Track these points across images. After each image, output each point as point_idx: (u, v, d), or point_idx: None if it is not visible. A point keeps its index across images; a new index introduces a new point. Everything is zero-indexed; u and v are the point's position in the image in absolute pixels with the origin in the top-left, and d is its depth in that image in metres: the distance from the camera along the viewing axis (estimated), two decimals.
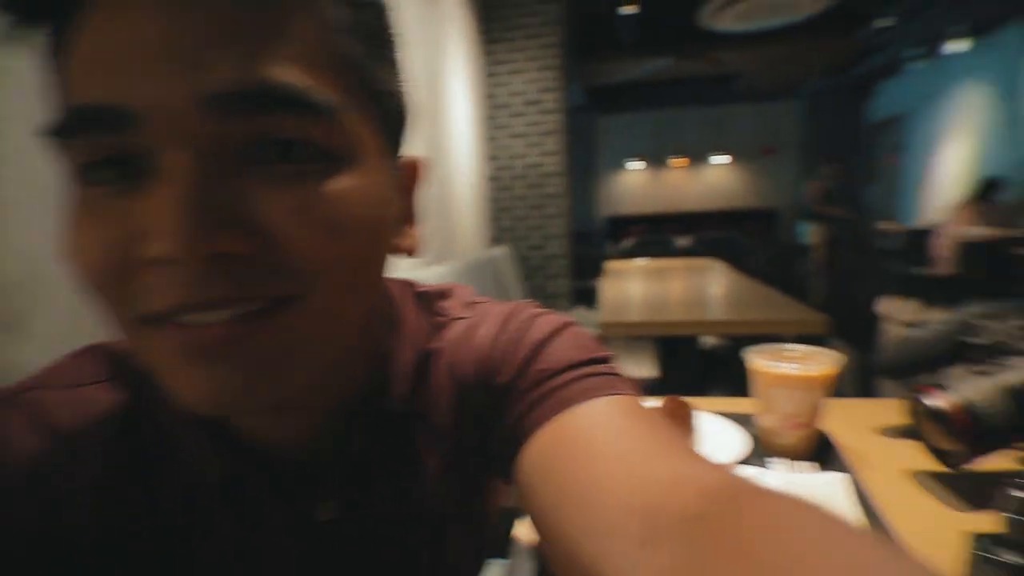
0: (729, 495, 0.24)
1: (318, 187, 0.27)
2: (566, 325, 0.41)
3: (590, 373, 0.36)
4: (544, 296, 3.90)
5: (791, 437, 0.71)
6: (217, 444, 0.34)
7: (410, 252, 0.37)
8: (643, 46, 6.30)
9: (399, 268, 2.24)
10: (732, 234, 7.05)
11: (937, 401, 0.58)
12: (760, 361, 0.72)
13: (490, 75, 3.72)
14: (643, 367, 3.82)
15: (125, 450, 0.34)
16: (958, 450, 0.57)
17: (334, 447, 0.37)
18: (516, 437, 0.36)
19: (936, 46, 5.73)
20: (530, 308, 0.43)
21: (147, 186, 0.24)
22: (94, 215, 0.25)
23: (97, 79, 0.24)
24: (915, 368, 0.76)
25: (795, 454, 0.71)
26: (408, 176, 0.38)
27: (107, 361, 0.36)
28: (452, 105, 2.99)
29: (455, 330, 0.42)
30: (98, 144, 0.25)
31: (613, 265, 3.74)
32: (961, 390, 0.58)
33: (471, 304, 0.45)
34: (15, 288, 0.78)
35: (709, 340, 2.91)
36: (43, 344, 0.81)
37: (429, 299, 0.45)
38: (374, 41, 0.31)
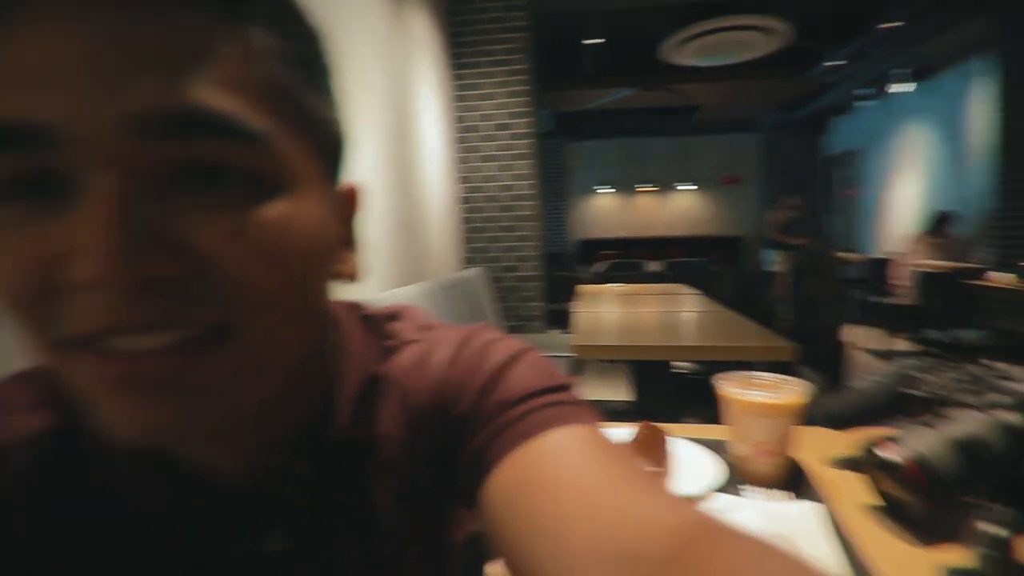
0: (698, 536, 0.24)
1: (251, 213, 0.26)
2: (523, 351, 0.39)
3: (550, 402, 0.35)
4: (518, 318, 3.89)
5: (763, 465, 0.71)
6: (156, 474, 0.32)
7: (351, 278, 0.36)
8: (607, 75, 6.49)
9: (366, 290, 2.20)
10: (700, 260, 7.20)
11: (891, 454, 0.59)
12: (730, 388, 0.72)
13: (460, 99, 3.76)
14: (617, 391, 3.83)
15: (58, 479, 0.32)
16: (913, 502, 0.57)
17: (280, 476, 0.35)
18: (478, 469, 0.34)
19: (883, 86, 6.04)
20: (485, 333, 0.41)
21: (68, 207, 0.23)
22: (8, 235, 0.24)
23: (15, 96, 0.22)
24: (858, 419, 0.77)
25: (769, 482, 0.70)
26: (347, 203, 0.37)
27: (40, 387, 0.34)
28: (423, 127, 3.00)
29: (406, 355, 0.41)
30: (12, 161, 0.23)
31: (586, 288, 3.76)
32: (912, 443, 0.58)
33: (423, 327, 0.43)
34: None
35: (683, 365, 2.94)
36: None
37: (377, 322, 0.43)
38: (306, 69, 0.30)
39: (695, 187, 9.31)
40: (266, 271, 0.26)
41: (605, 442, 0.33)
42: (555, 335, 3.92)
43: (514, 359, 0.38)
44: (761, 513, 0.63)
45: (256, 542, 0.35)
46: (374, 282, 2.19)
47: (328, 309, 0.37)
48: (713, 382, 0.74)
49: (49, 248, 0.23)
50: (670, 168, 9.36)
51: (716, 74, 6.12)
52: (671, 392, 2.46)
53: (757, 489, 0.69)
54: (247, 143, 0.25)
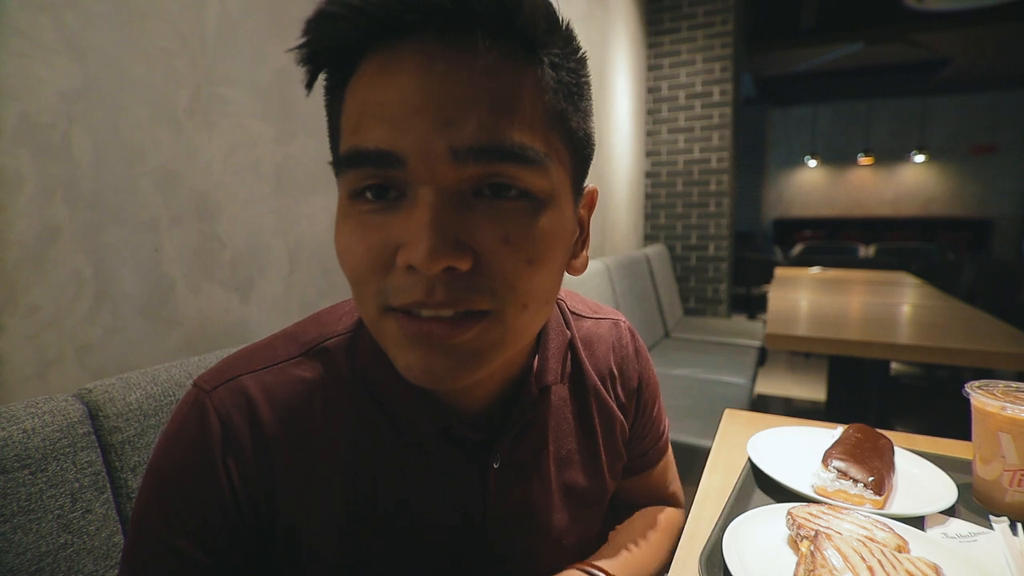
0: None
1: (522, 223, 0.34)
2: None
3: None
4: (701, 300, 3.70)
5: (1017, 494, 0.59)
6: (429, 409, 0.43)
7: (579, 271, 0.44)
8: (829, 30, 5.63)
9: None
10: (930, 245, 6.08)
11: None
12: (986, 399, 0.60)
13: (653, 68, 3.61)
14: (806, 388, 3.46)
15: (350, 408, 0.44)
16: None
17: (502, 413, 0.47)
18: (631, 466, 0.62)
19: None
20: (628, 328, 0.62)
21: (402, 208, 0.33)
22: (360, 225, 0.34)
23: (378, 130, 0.32)
24: None
25: (1020, 515, 0.59)
26: (586, 204, 0.44)
27: (296, 344, 0.45)
28: (614, 100, 2.95)
29: (581, 327, 0.56)
30: (370, 174, 0.33)
31: (783, 272, 3.42)
32: None
33: (580, 303, 0.59)
34: (244, 259, 0.92)
35: (894, 366, 2.55)
36: (264, 304, 0.95)
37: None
38: (574, 95, 0.37)
39: (930, 158, 7.76)
40: (525, 271, 0.34)
41: None
42: (740, 322, 3.66)
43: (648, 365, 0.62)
44: (1012, 549, 0.53)
45: (487, 460, 0.46)
46: None
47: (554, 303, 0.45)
48: (967, 390, 0.63)
49: (388, 237, 0.33)
50: (898, 137, 7.90)
51: (976, 19, 4.97)
52: (879, 395, 2.14)
53: (1004, 521, 0.58)
54: (531, 167, 0.33)
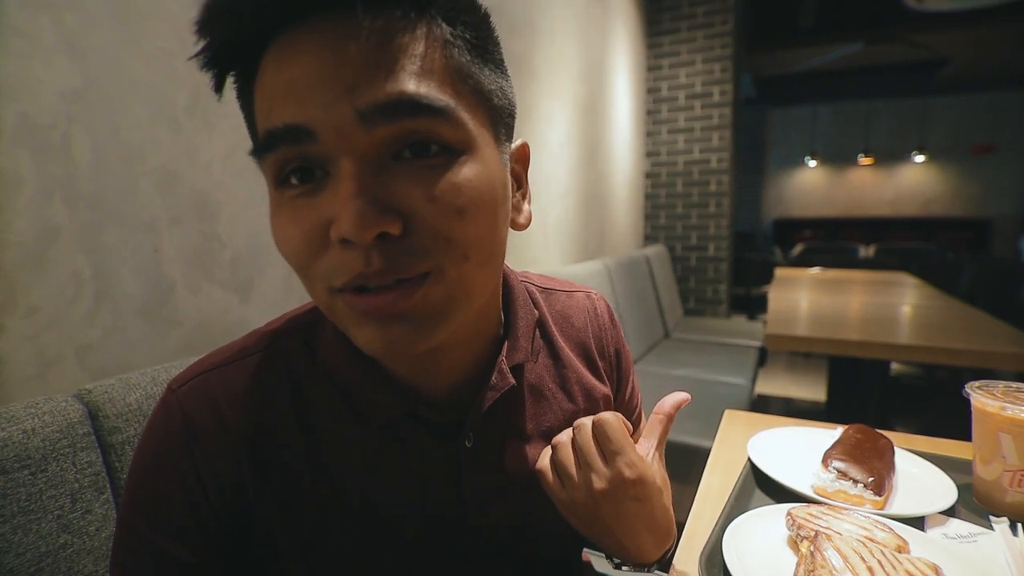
0: None
1: (446, 177, 0.34)
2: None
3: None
4: (700, 300, 3.70)
5: (1018, 495, 0.59)
6: (391, 392, 0.43)
7: (523, 226, 0.44)
8: (829, 30, 5.63)
9: (545, 266, 2.24)
10: (930, 245, 6.08)
11: None
12: (986, 399, 0.60)
13: (652, 68, 3.61)
14: (805, 388, 3.46)
15: (305, 395, 0.44)
16: None
17: (471, 396, 0.46)
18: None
19: None
20: (602, 302, 0.61)
21: (328, 186, 0.33)
22: (292, 211, 0.34)
23: (285, 107, 0.32)
24: None
25: (1020, 515, 0.59)
26: (518, 159, 0.44)
27: (262, 338, 0.46)
28: (613, 101, 2.95)
29: (552, 305, 0.56)
30: (287, 155, 0.33)
31: (783, 272, 3.42)
32: None
33: (546, 279, 0.60)
34: (244, 259, 0.92)
35: (894, 366, 2.55)
36: (263, 304, 0.95)
37: (516, 274, 0.54)
38: (477, 49, 0.36)
39: (930, 158, 7.75)
40: (457, 223, 0.34)
41: None
42: (740, 322, 3.66)
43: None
44: (1012, 549, 0.53)
45: (457, 441, 0.45)
46: (553, 257, 2.24)
47: (503, 257, 0.44)
48: (967, 390, 0.63)
49: (319, 217, 0.33)
50: (898, 137, 7.89)
51: (975, 20, 4.97)
52: (878, 395, 2.15)
53: (1004, 521, 0.58)
54: (440, 117, 0.33)
